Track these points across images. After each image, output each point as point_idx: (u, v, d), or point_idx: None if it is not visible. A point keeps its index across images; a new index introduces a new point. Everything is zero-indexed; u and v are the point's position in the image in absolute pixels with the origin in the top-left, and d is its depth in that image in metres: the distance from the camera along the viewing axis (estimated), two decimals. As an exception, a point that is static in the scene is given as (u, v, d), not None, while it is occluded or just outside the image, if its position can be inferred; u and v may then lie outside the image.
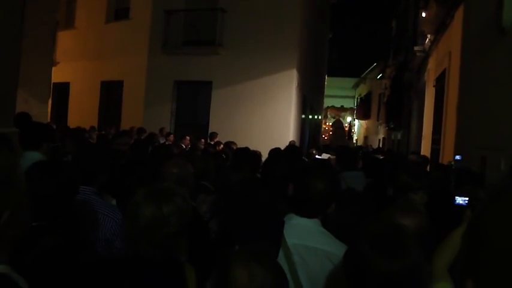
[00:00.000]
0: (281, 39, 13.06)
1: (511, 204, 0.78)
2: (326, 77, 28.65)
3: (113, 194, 3.18)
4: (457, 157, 6.98)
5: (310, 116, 19.37)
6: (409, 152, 14.30)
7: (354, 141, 39.04)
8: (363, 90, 39.47)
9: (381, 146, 28.13)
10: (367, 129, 38.51)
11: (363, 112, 37.91)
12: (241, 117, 13.41)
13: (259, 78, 13.41)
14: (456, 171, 5.72)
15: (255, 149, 6.01)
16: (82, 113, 15.81)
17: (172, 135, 11.58)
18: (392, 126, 23.50)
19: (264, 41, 13.08)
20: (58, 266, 1.82)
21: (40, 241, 1.83)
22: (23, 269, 1.09)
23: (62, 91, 16.73)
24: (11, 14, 4.18)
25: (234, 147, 8.22)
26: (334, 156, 8.96)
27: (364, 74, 38.53)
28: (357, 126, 41.84)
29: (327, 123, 40.74)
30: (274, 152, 5.76)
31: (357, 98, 40.82)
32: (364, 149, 17.57)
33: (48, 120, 10.20)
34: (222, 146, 9.39)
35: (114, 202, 3.06)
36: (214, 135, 11.56)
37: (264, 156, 5.69)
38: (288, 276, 1.83)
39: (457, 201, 2.47)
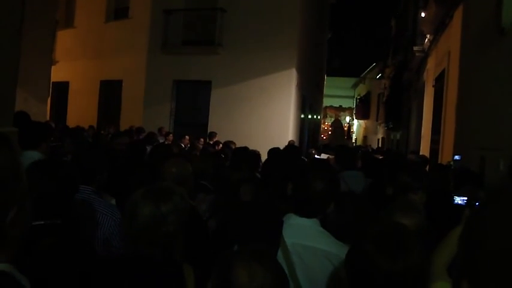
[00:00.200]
0: (280, 39, 13.06)
1: (509, 205, 0.78)
2: (325, 77, 28.66)
3: (112, 193, 3.19)
4: (456, 157, 6.99)
5: (310, 116, 19.38)
6: (408, 151, 14.30)
7: (353, 141, 39.05)
8: (362, 90, 39.49)
9: (380, 146, 28.14)
10: (366, 129, 38.53)
11: (362, 112, 37.92)
12: (241, 117, 13.41)
13: (258, 78, 13.41)
14: (455, 171, 5.72)
15: (254, 148, 6.01)
16: (81, 112, 15.81)
17: (171, 135, 11.58)
18: (391, 126, 23.51)
19: (264, 40, 13.08)
20: (58, 265, 1.82)
21: (40, 240, 1.83)
22: (23, 268, 1.09)
23: (61, 90, 16.72)
24: (11, 14, 4.17)
25: (233, 147, 8.23)
26: (333, 156, 8.97)
27: (364, 73, 38.55)
28: (356, 126, 41.86)
29: (326, 123, 40.75)
30: (274, 152, 5.76)
31: (356, 98, 40.83)
32: (363, 149, 17.57)
33: (47, 119, 10.19)
34: (221, 145, 9.39)
35: (113, 201, 3.07)
36: (213, 134, 11.56)
37: (263, 155, 5.70)
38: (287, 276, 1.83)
39: (456, 201, 2.48)
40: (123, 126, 13.34)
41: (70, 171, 2.23)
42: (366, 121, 38.32)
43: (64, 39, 15.95)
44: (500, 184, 4.62)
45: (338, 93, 40.39)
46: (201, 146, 9.32)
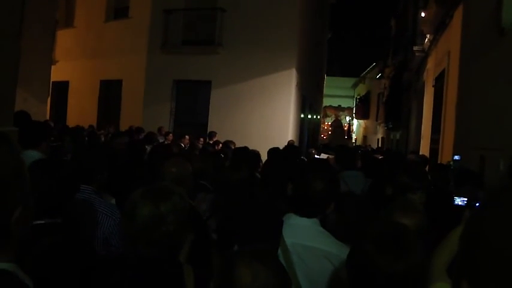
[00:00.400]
0: (280, 38, 13.06)
1: (510, 205, 0.78)
2: (325, 77, 28.67)
3: (112, 193, 3.19)
4: (456, 157, 6.99)
5: (309, 116, 19.38)
6: (408, 151, 14.31)
7: (353, 141, 39.05)
8: (362, 90, 39.49)
9: (379, 145, 28.14)
10: (366, 128, 38.53)
11: (361, 112, 37.94)
12: (241, 117, 13.41)
13: (258, 78, 13.41)
14: (455, 171, 5.72)
15: (253, 148, 6.02)
16: (81, 111, 15.81)
17: (171, 135, 11.58)
18: (391, 126, 23.52)
19: (264, 40, 13.08)
20: (58, 265, 1.82)
21: (40, 239, 1.83)
22: (24, 267, 1.09)
23: (61, 90, 16.72)
24: (10, 13, 4.17)
25: (233, 147, 8.23)
26: (333, 156, 8.97)
27: (363, 73, 38.55)
28: (356, 126, 41.87)
29: (326, 123, 40.76)
30: (274, 152, 5.76)
31: (356, 98, 40.83)
32: (363, 149, 17.57)
33: (47, 118, 10.19)
34: (220, 145, 9.39)
35: (113, 201, 3.07)
36: (213, 134, 11.56)
37: (263, 155, 5.70)
38: (287, 275, 1.83)
39: (456, 202, 2.48)
40: (123, 126, 13.34)
41: (70, 171, 2.23)
42: (365, 121, 38.34)
43: (64, 38, 15.95)
44: (500, 184, 4.61)
45: (338, 93, 40.40)
46: (201, 146, 9.31)
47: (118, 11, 15.96)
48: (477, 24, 7.54)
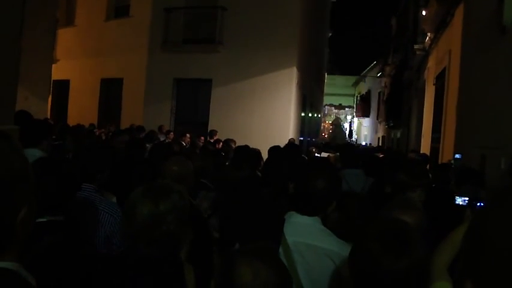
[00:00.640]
0: (281, 37, 13.05)
1: None
2: (326, 75, 28.65)
3: (114, 191, 3.19)
4: (457, 156, 6.99)
5: (310, 114, 19.36)
6: (409, 150, 14.31)
7: (354, 140, 39.06)
8: (362, 88, 39.48)
9: (380, 144, 28.14)
10: (366, 127, 38.54)
11: (362, 110, 37.93)
12: (241, 115, 13.41)
13: (259, 76, 13.40)
14: (456, 169, 5.72)
15: (254, 146, 6.01)
16: (82, 110, 15.80)
17: (172, 133, 11.58)
18: (391, 124, 23.51)
19: (264, 39, 13.07)
20: (59, 264, 1.82)
21: (41, 238, 1.83)
22: (26, 265, 1.09)
23: (62, 88, 16.71)
24: (11, 12, 4.17)
25: (233, 145, 8.22)
26: (333, 155, 8.98)
27: (364, 72, 38.54)
28: (356, 125, 41.86)
29: (327, 122, 40.76)
30: (274, 150, 5.76)
31: (357, 96, 40.82)
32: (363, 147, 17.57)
33: (48, 117, 10.19)
34: (221, 143, 9.38)
35: (114, 200, 3.07)
36: (213, 133, 11.55)
37: (264, 154, 5.70)
38: (288, 274, 1.83)
39: (457, 201, 2.47)
40: (124, 124, 13.34)
41: (72, 169, 2.23)
42: (366, 119, 38.33)
43: (65, 37, 15.93)
44: (504, 184, 4.61)
45: (338, 91, 40.41)
46: (201, 144, 9.31)
47: (119, 9, 15.95)
48: (478, 23, 7.52)
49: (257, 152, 5.54)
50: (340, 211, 2.36)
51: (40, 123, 4.37)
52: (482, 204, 2.24)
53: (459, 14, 9.37)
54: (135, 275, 1.76)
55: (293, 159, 4.69)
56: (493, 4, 6.31)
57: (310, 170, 2.23)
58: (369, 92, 37.18)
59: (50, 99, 11.64)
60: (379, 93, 32.45)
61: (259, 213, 2.35)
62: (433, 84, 12.36)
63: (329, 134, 39.62)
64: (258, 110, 13.37)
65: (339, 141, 29.38)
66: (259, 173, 4.56)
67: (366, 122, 38.60)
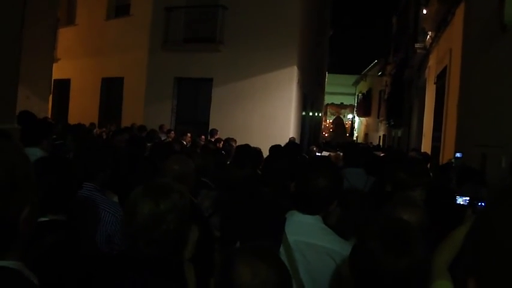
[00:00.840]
0: (282, 36, 13.04)
1: None
2: (326, 74, 28.63)
3: (115, 190, 3.19)
4: (458, 154, 6.99)
5: (311, 113, 19.35)
6: (410, 149, 14.31)
7: (355, 139, 39.05)
8: (363, 87, 39.46)
9: (381, 143, 28.13)
10: (367, 126, 38.52)
11: (363, 109, 37.93)
12: (242, 114, 13.40)
13: (259, 75, 13.40)
14: (457, 168, 5.72)
15: (255, 145, 6.01)
16: (83, 109, 15.81)
17: (173, 132, 11.57)
18: (392, 123, 23.52)
19: (265, 38, 13.06)
20: (61, 263, 1.82)
21: (43, 238, 1.83)
22: (29, 264, 1.10)
23: (62, 88, 16.73)
24: (12, 12, 4.18)
25: (234, 144, 8.22)
26: (334, 154, 8.98)
27: (365, 71, 38.52)
28: (357, 124, 41.84)
29: (327, 121, 40.74)
30: (275, 149, 5.77)
31: (358, 95, 40.80)
32: (363, 146, 17.56)
33: (48, 116, 10.20)
34: (222, 142, 9.38)
35: (115, 198, 3.07)
36: (214, 132, 11.54)
37: (265, 153, 5.71)
38: (289, 273, 1.83)
39: (458, 201, 2.47)
40: (125, 123, 13.33)
41: (72, 168, 2.24)
42: (367, 118, 38.32)
43: (65, 36, 15.94)
44: (506, 182, 4.61)
45: (339, 90, 40.37)
46: (202, 143, 9.30)
47: (119, 8, 15.95)
48: (479, 21, 7.52)
49: (258, 151, 5.54)
50: (343, 208, 2.36)
51: (40, 123, 4.38)
52: (483, 204, 2.24)
53: (460, 12, 9.37)
54: (135, 275, 1.76)
55: (293, 158, 4.70)
56: (494, 3, 6.30)
57: (311, 168, 2.23)
58: (369, 91, 37.17)
59: (50, 98, 11.65)
60: (380, 92, 32.45)
61: (260, 212, 2.35)
62: (434, 83, 12.36)
63: (330, 133, 39.60)
64: (259, 109, 13.37)
65: (340, 140, 29.37)
66: (259, 172, 4.56)
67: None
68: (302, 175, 2.19)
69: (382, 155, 9.08)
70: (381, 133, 31.85)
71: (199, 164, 3.78)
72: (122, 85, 15.37)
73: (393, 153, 10.01)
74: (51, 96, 11.75)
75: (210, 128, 12.55)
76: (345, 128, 41.34)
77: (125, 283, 1.76)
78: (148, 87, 14.47)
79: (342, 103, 42.61)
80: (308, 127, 18.72)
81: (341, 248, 2.00)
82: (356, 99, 41.17)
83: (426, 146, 12.94)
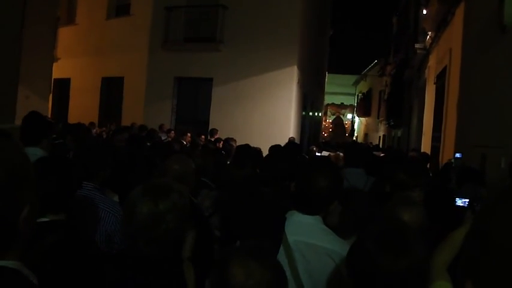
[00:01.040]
0: (282, 36, 13.04)
1: None
2: (326, 74, 28.62)
3: (115, 189, 3.19)
4: (457, 155, 7.00)
5: (311, 113, 19.35)
6: (410, 149, 14.31)
7: (354, 139, 39.05)
8: (363, 87, 39.45)
9: (381, 143, 28.13)
10: (367, 126, 38.52)
11: (363, 109, 37.92)
12: (242, 114, 13.40)
13: (259, 75, 13.40)
14: (457, 169, 5.72)
15: (255, 145, 6.01)
16: (83, 109, 15.80)
17: (173, 132, 11.57)
18: (392, 123, 23.52)
19: (265, 38, 13.06)
20: (61, 263, 1.82)
21: (43, 237, 1.83)
22: (29, 264, 1.10)
23: (62, 87, 16.73)
24: (12, 11, 4.18)
25: (234, 144, 8.22)
26: (334, 154, 8.98)
27: (365, 71, 38.50)
28: (357, 124, 41.83)
29: (327, 120, 40.73)
30: (275, 149, 5.77)
31: (358, 95, 40.79)
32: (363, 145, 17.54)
33: (48, 115, 10.20)
34: (222, 142, 9.37)
35: (116, 198, 3.07)
36: (214, 131, 11.54)
37: (265, 153, 5.71)
38: (288, 273, 1.83)
39: (458, 203, 2.47)
40: (125, 123, 13.33)
41: (72, 168, 2.23)
42: (367, 118, 38.32)
43: (65, 36, 15.94)
44: (505, 183, 4.61)
45: (339, 90, 40.34)
46: (202, 143, 9.30)
47: (119, 8, 15.96)
48: (479, 22, 7.52)
49: (258, 151, 5.54)
50: (344, 207, 2.36)
51: (40, 122, 4.37)
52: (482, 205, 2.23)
53: (460, 13, 9.37)
54: (135, 274, 1.76)
55: (293, 158, 4.69)
56: (494, 3, 6.30)
57: (311, 168, 2.23)
58: (369, 91, 37.17)
59: (50, 97, 11.64)
60: (380, 92, 32.45)
61: (260, 212, 2.35)
62: (434, 83, 12.36)
63: (330, 133, 39.60)
64: (259, 109, 13.37)
65: (340, 140, 29.36)
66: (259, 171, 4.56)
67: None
68: (302, 175, 2.19)
69: (382, 155, 9.08)
70: (381, 133, 31.85)
71: (199, 164, 3.78)
72: (122, 84, 15.37)
73: (393, 153, 10.00)
74: (51, 95, 11.74)
75: (210, 127, 12.55)
76: (344, 128, 41.33)
77: (124, 282, 1.76)
78: (148, 86, 14.47)
79: (342, 103, 42.57)
80: (308, 127, 18.72)
81: (341, 248, 2.00)
82: (356, 99, 41.15)
83: (426, 146, 12.94)
